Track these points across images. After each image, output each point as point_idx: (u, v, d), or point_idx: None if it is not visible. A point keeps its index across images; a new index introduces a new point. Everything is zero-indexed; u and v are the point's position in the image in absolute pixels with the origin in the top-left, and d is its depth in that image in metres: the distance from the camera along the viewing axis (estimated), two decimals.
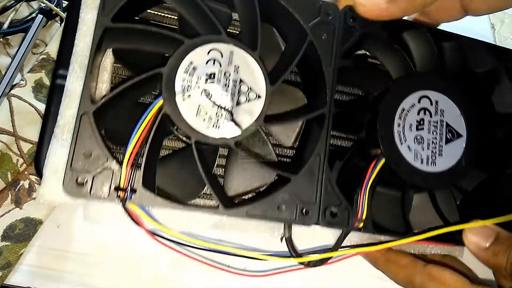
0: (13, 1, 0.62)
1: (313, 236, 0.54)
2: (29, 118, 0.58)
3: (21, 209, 0.56)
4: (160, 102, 0.46)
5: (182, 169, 0.50)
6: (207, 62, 0.48)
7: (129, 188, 0.44)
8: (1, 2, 0.61)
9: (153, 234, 0.49)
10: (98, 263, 0.58)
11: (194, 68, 0.47)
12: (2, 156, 0.56)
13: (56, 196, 0.46)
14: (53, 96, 0.52)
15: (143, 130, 0.45)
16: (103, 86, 0.49)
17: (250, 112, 0.49)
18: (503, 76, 0.59)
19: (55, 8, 0.62)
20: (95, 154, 0.44)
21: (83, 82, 0.45)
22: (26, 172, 0.58)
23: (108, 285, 0.58)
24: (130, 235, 0.57)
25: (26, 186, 0.57)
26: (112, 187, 0.44)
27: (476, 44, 0.59)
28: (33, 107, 0.59)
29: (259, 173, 0.52)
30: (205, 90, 0.48)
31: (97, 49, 0.45)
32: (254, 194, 0.53)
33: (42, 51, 0.61)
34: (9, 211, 0.56)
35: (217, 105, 0.48)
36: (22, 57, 0.60)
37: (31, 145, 0.58)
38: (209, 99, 0.47)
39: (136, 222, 0.47)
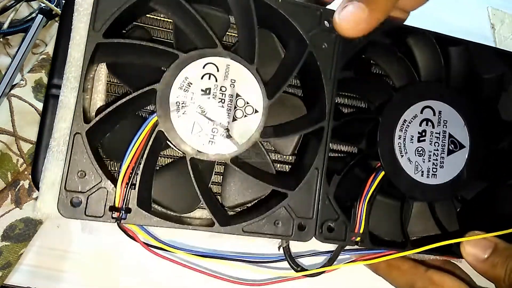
0: (13, 1, 0.61)
1: (312, 241, 0.54)
2: (29, 118, 0.58)
3: (21, 209, 0.57)
4: (154, 118, 0.46)
5: (178, 182, 0.49)
6: (202, 77, 0.47)
7: (124, 207, 0.44)
8: (1, 2, 0.60)
9: (148, 246, 0.49)
10: (97, 263, 0.58)
11: (189, 84, 0.46)
12: (2, 156, 0.57)
13: (53, 210, 0.45)
14: (47, 106, 0.50)
15: (137, 148, 0.45)
16: (97, 96, 0.48)
17: (247, 128, 0.48)
18: (511, 82, 0.57)
19: (55, 8, 0.61)
20: (89, 174, 0.44)
21: (76, 98, 0.44)
22: (26, 172, 0.58)
23: (108, 285, 0.58)
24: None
25: (26, 186, 0.58)
26: (107, 207, 0.44)
27: (483, 49, 0.57)
28: (33, 107, 0.59)
29: (257, 185, 0.51)
30: (200, 106, 0.47)
31: (89, 65, 0.44)
32: (251, 204, 0.52)
33: (42, 51, 0.61)
34: (9, 211, 0.57)
35: (212, 121, 0.47)
36: (22, 57, 0.60)
37: (31, 145, 0.58)
38: (205, 115, 0.47)
39: (132, 237, 0.47)
